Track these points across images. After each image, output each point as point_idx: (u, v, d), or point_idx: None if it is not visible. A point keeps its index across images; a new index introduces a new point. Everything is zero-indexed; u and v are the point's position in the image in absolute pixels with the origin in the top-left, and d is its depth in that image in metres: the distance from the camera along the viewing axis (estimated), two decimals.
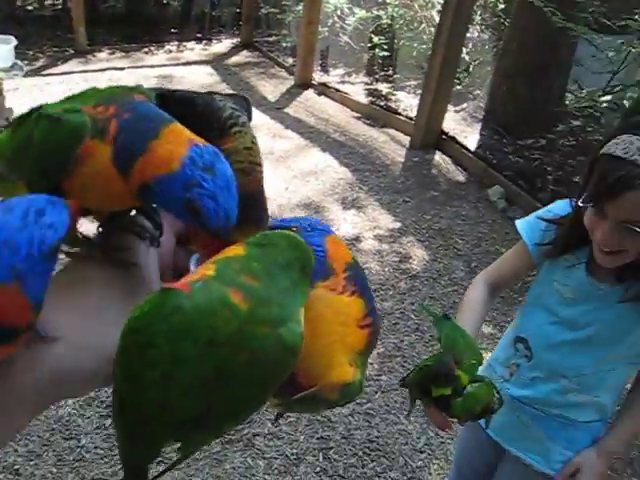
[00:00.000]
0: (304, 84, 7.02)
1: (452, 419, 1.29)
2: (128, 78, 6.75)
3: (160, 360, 0.44)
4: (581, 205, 1.28)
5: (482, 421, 1.41)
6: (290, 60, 7.99)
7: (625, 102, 3.88)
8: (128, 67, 7.30)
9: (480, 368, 1.32)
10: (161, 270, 0.61)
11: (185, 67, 7.54)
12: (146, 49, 8.09)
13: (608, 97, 4.30)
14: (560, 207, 1.48)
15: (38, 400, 0.50)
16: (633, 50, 4.45)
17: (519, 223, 1.57)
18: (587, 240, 1.33)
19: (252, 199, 0.64)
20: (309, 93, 6.86)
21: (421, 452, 2.65)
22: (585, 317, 1.43)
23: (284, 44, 8.62)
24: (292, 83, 7.09)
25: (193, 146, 0.52)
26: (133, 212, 0.62)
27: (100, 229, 0.61)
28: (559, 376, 1.50)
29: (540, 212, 1.53)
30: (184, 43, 8.49)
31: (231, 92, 0.76)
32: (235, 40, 8.79)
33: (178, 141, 0.52)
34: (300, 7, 7.75)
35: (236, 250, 0.51)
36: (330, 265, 0.65)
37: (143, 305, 0.46)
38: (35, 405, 0.50)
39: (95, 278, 0.55)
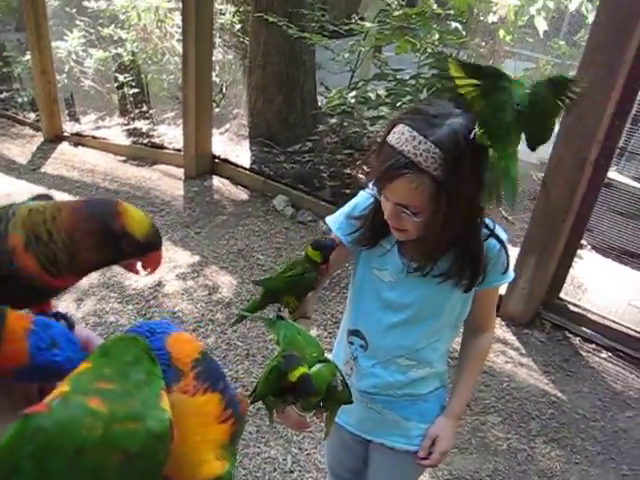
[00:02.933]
0: (56, 138, 6.52)
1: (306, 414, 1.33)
2: None
3: None
4: (371, 187, 1.36)
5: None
6: (32, 115, 7.36)
7: (370, 94, 4.26)
8: None
9: None
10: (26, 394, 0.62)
11: None
12: None
13: (354, 93, 4.67)
14: (364, 197, 1.53)
15: None
16: (362, 49, 4.89)
17: (329, 219, 1.61)
18: None
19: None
20: (64, 146, 6.39)
21: (291, 472, 2.61)
22: (407, 297, 1.50)
23: (20, 99, 7.91)
24: (41, 139, 6.55)
25: (30, 336, 0.58)
26: None
27: None
28: (396, 357, 1.57)
29: (347, 209, 1.58)
30: None
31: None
32: None
33: (17, 337, 0.58)
34: (28, 57, 7.17)
35: (83, 366, 0.52)
36: (176, 367, 0.64)
37: (7, 434, 0.46)
38: None
39: None
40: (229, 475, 0.64)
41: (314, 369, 1.22)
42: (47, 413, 0.46)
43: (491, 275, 1.47)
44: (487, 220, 1.43)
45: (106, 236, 0.74)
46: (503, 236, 1.47)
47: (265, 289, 1.55)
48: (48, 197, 0.82)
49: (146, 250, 0.80)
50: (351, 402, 1.30)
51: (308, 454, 2.71)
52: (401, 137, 1.25)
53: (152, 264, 0.84)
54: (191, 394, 0.62)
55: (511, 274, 1.52)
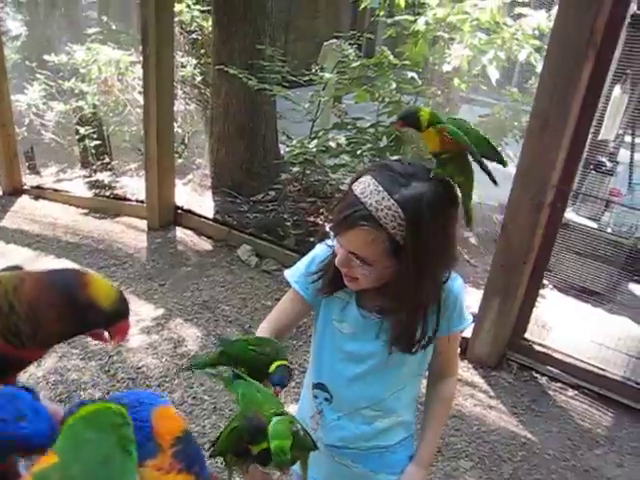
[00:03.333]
0: (15, 191, 6.41)
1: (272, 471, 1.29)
2: None
3: None
4: (329, 230, 1.37)
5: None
6: None
7: (331, 143, 4.34)
8: None
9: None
10: None
11: None
12: None
13: (315, 142, 4.75)
14: (322, 250, 1.54)
15: None
16: (322, 99, 5.00)
17: (287, 273, 1.60)
18: None
19: None
20: (24, 200, 6.28)
21: None
22: (366, 348, 1.49)
23: None
24: (0, 193, 6.44)
25: None
26: None
27: None
28: (361, 408, 1.55)
29: (305, 262, 1.57)
30: None
31: None
32: None
33: None
34: None
35: (50, 459, 0.50)
36: (156, 441, 0.63)
37: None
38: None
39: None
40: None
41: (270, 427, 1.18)
42: None
43: (450, 321, 1.49)
44: None
45: (71, 307, 0.73)
46: (459, 281, 1.49)
47: (224, 351, 1.51)
48: (18, 268, 0.80)
49: (114, 320, 0.79)
50: (316, 448, 1.28)
51: None
52: (366, 188, 1.26)
53: (120, 333, 0.82)
54: (165, 472, 0.61)
55: (469, 318, 1.54)
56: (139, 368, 3.49)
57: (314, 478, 1.68)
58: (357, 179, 1.32)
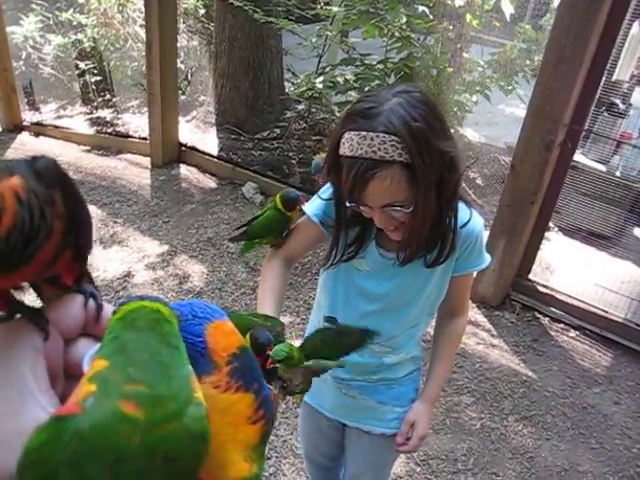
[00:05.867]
0: (15, 127, 6.33)
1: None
2: None
3: None
4: (349, 205, 1.33)
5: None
6: None
7: (338, 79, 4.23)
8: None
9: None
10: (52, 375, 0.55)
11: None
12: None
13: (321, 78, 4.64)
14: (328, 190, 1.50)
15: None
16: (329, 34, 4.85)
17: (306, 208, 1.57)
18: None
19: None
20: (24, 136, 6.21)
21: (268, 458, 2.60)
22: (383, 286, 1.49)
23: None
24: (0, 129, 6.35)
25: None
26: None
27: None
28: (371, 343, 1.56)
29: (320, 192, 1.55)
30: None
31: None
32: None
33: None
34: None
35: (101, 363, 0.48)
36: (211, 358, 0.59)
37: (38, 435, 0.43)
38: None
39: None
40: (256, 478, 0.61)
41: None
42: (82, 416, 0.43)
43: (468, 260, 1.48)
44: (464, 206, 1.43)
45: None
46: (480, 222, 1.48)
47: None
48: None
49: None
50: (318, 375, 1.29)
51: (284, 440, 2.71)
52: (352, 144, 1.22)
53: None
54: (222, 390, 0.59)
55: (487, 259, 1.53)
56: None
57: (321, 406, 1.72)
58: (337, 144, 1.27)
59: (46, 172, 0.55)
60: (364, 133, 1.20)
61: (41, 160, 0.55)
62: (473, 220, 1.44)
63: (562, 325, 3.65)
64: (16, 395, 0.50)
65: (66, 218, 0.55)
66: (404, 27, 4.03)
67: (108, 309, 0.62)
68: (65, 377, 0.58)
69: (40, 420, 0.45)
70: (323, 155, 1.50)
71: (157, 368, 0.49)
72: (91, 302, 0.61)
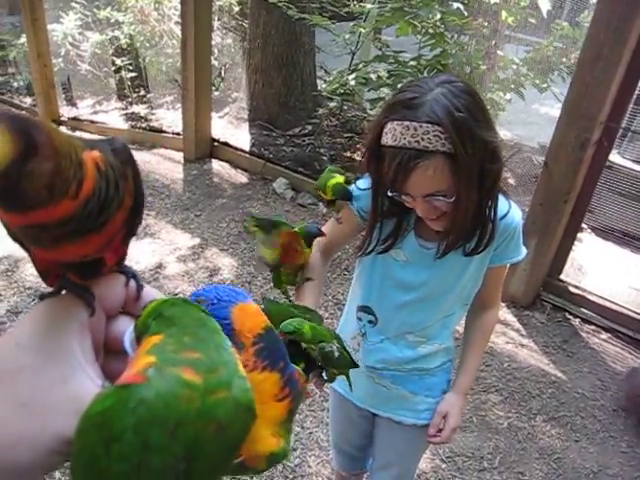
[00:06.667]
0: (53, 122, 6.48)
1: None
2: None
3: (130, 452, 0.43)
4: (390, 194, 1.33)
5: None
6: (29, 100, 7.31)
7: (371, 75, 4.23)
8: None
9: None
10: (94, 349, 0.57)
11: None
12: None
13: (354, 75, 4.64)
14: (366, 181, 1.51)
15: None
16: (362, 30, 4.86)
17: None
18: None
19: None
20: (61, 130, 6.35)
21: (294, 450, 2.62)
22: (420, 276, 1.50)
23: (16, 83, 7.86)
24: None
25: None
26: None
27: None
28: (405, 333, 1.57)
29: (358, 183, 1.55)
30: None
31: None
32: None
33: None
34: (23, 40, 7.10)
35: (154, 339, 0.51)
36: (238, 339, 0.62)
37: (102, 401, 0.46)
38: None
39: (27, 362, 0.52)
40: (284, 452, 0.63)
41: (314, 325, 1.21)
42: (146, 385, 0.46)
43: (505, 252, 1.48)
44: (503, 198, 1.43)
45: None
46: (518, 214, 1.47)
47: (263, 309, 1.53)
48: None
49: None
50: (356, 366, 1.30)
51: (310, 432, 2.72)
52: (395, 134, 1.23)
53: None
54: (249, 370, 0.61)
55: (524, 252, 1.53)
56: (176, 294, 3.57)
57: (353, 395, 1.73)
58: (379, 134, 1.28)
59: (121, 151, 0.58)
60: (407, 123, 1.21)
61: (117, 141, 0.59)
62: (512, 212, 1.45)
63: (593, 327, 3.59)
64: (66, 365, 0.53)
65: (133, 196, 0.58)
66: (438, 24, 4.00)
67: (148, 289, 0.65)
68: (105, 352, 0.61)
69: (88, 389, 0.47)
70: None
71: (206, 337, 0.51)
72: (132, 282, 0.63)
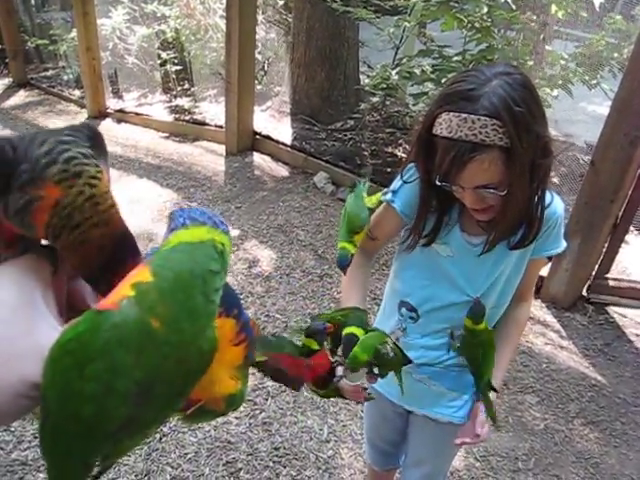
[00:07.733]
0: (99, 114, 6.65)
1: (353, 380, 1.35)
2: None
3: (100, 373, 0.46)
4: (439, 184, 1.32)
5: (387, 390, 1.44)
6: (77, 92, 7.52)
7: (415, 70, 4.19)
8: None
9: None
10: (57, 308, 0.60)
11: None
12: None
13: (397, 69, 4.61)
14: (411, 173, 1.48)
15: None
16: (407, 24, 4.81)
17: (387, 195, 1.56)
18: (452, 198, 1.36)
19: (122, 244, 0.62)
20: (107, 123, 6.51)
21: (327, 442, 2.63)
22: (467, 271, 1.48)
23: (65, 76, 8.08)
24: (86, 116, 6.68)
25: None
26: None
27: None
28: (447, 329, 1.55)
29: (401, 176, 1.52)
30: None
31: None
32: (6, 81, 8.06)
33: None
34: (73, 35, 7.29)
35: (145, 274, 0.52)
36: None
37: (76, 327, 0.48)
38: None
39: None
40: (241, 394, 0.67)
41: (363, 337, 1.26)
42: (119, 312, 0.48)
43: (545, 243, 1.45)
44: (547, 191, 1.40)
45: None
46: (560, 205, 1.45)
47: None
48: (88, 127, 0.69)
49: None
50: (410, 362, 1.34)
51: (344, 425, 2.73)
52: (451, 125, 1.21)
53: None
54: None
55: (563, 244, 1.50)
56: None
57: (389, 392, 1.72)
58: (431, 124, 1.26)
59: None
60: (465, 115, 1.19)
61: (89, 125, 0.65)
62: (554, 203, 1.42)
63: (637, 332, 3.49)
64: (31, 315, 0.55)
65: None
66: (484, 18, 3.94)
67: None
68: (67, 309, 0.63)
69: (53, 338, 0.48)
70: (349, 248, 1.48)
71: (193, 298, 0.53)
72: None
